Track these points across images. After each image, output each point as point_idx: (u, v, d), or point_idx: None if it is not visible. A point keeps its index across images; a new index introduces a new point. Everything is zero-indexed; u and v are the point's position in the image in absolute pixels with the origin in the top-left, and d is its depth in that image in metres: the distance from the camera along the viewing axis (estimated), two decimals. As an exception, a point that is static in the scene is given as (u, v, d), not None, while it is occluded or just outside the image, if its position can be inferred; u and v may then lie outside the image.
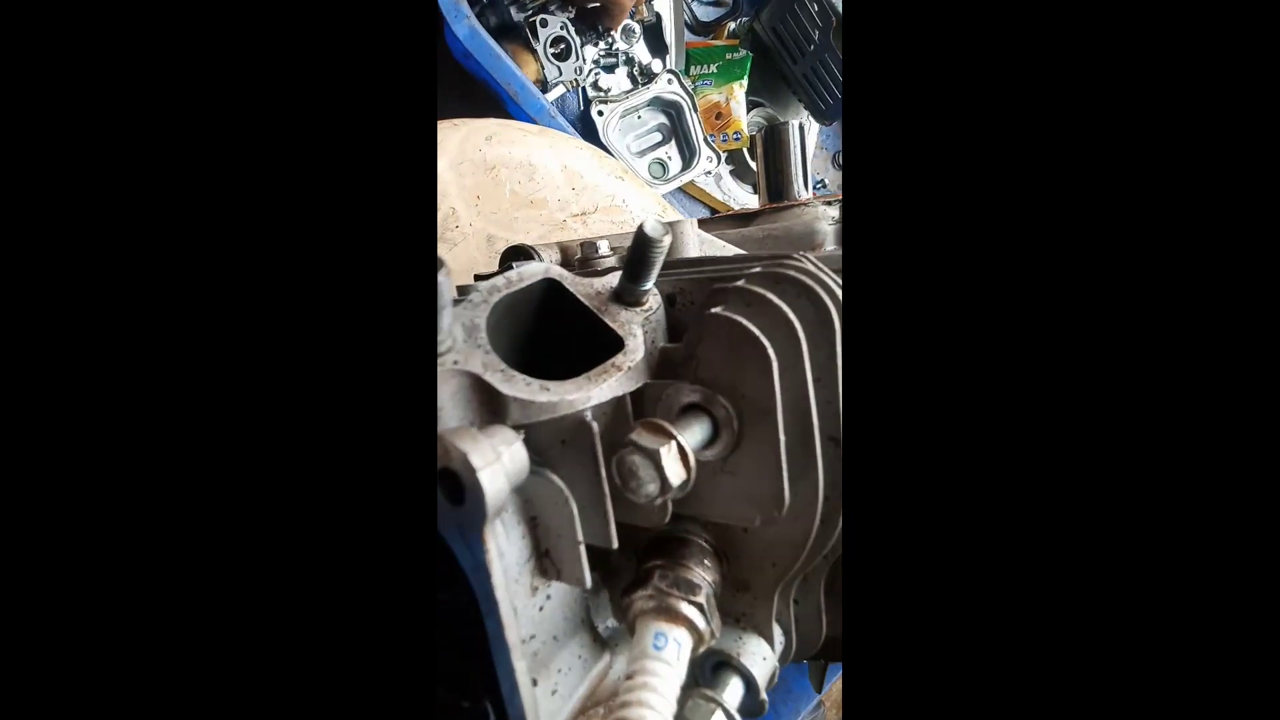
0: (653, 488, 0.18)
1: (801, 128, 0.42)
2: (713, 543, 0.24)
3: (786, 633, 0.26)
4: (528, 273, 0.22)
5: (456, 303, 0.21)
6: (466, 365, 0.19)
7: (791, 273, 0.21)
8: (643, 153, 0.87)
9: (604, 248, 0.32)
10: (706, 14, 0.89)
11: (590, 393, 0.20)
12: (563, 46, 0.71)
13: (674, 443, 0.18)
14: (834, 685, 1.08)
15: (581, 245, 0.33)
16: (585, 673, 0.22)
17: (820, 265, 0.22)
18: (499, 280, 0.22)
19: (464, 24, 0.62)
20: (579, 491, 0.21)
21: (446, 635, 0.20)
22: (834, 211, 0.35)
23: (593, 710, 0.24)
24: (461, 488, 0.16)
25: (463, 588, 0.19)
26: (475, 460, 0.16)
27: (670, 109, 0.86)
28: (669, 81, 0.83)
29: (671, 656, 0.20)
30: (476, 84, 0.68)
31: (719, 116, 0.87)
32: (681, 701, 0.22)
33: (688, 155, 0.88)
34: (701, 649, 0.22)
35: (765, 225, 0.36)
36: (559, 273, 0.23)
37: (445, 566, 0.19)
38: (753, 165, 0.92)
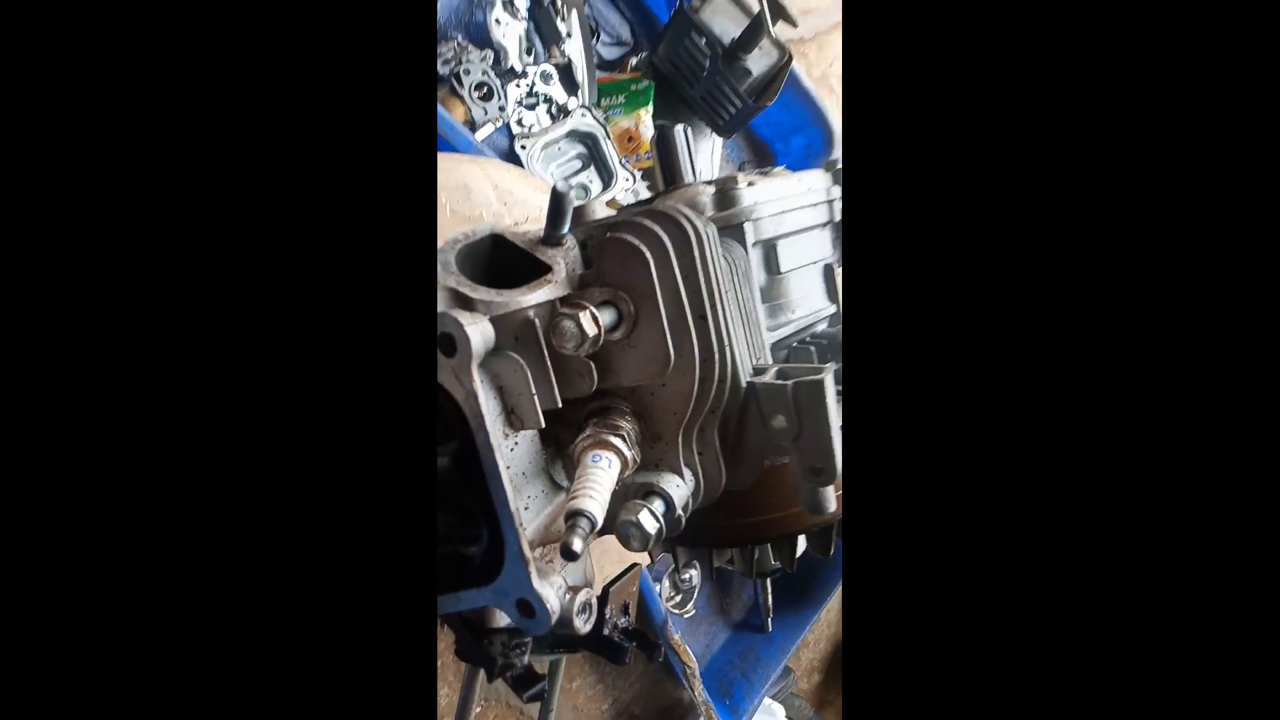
0: (576, 339, 0.30)
1: (686, 130, 0.56)
2: (629, 406, 0.36)
3: (694, 474, 0.38)
4: (479, 230, 0.35)
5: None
6: (445, 283, 0.31)
7: (659, 209, 0.34)
8: (566, 179, 1.02)
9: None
10: (611, 53, 1.07)
11: (530, 296, 0.32)
12: (486, 89, 0.86)
13: (589, 309, 0.30)
14: (800, 646, 1.17)
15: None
16: (547, 503, 0.33)
17: (680, 207, 0.36)
18: (459, 235, 0.34)
19: None
20: (530, 368, 0.32)
21: (449, 479, 0.31)
22: (711, 188, 0.49)
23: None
24: (453, 341, 0.28)
25: (461, 436, 0.30)
26: (462, 320, 0.28)
27: (586, 139, 1.01)
28: (583, 115, 0.99)
29: (605, 467, 0.32)
30: None
31: (630, 140, 1.03)
32: (616, 511, 0.33)
33: (607, 177, 1.03)
34: (627, 472, 0.34)
35: (660, 202, 0.50)
36: (501, 228, 0.35)
37: (446, 423, 0.30)
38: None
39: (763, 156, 1.26)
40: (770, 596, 1.14)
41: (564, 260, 0.35)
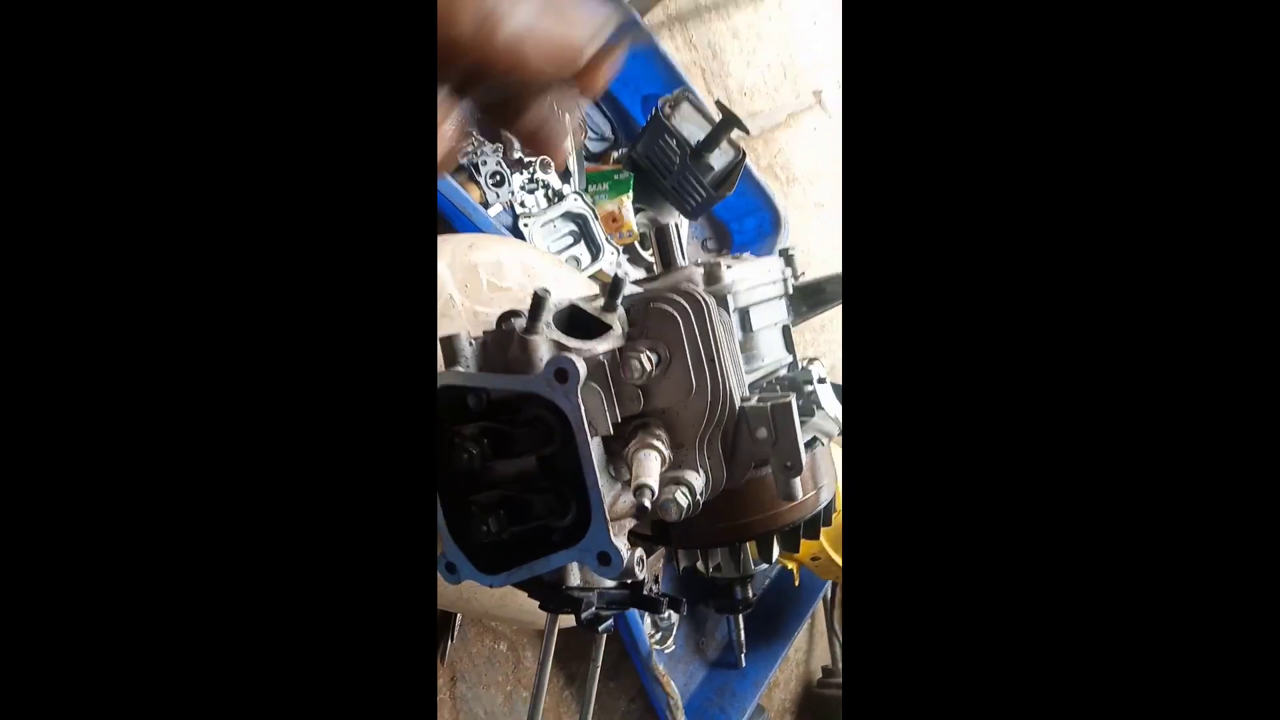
0: (639, 372, 0.49)
1: (678, 226, 0.77)
2: (660, 423, 0.54)
3: (706, 472, 0.56)
4: (561, 301, 0.53)
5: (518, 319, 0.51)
6: (550, 335, 0.49)
7: (684, 289, 0.54)
8: (560, 252, 1.22)
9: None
10: (596, 147, 1.31)
11: (602, 346, 0.51)
12: (498, 177, 1.07)
13: (646, 353, 0.49)
14: (770, 684, 1.32)
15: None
16: (612, 486, 0.51)
17: (694, 288, 0.55)
18: (551, 304, 0.52)
19: None
20: (602, 393, 0.50)
21: (554, 472, 0.47)
22: (700, 269, 0.69)
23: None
24: (567, 372, 0.46)
25: (562, 440, 0.47)
26: (572, 357, 0.46)
27: (578, 219, 1.23)
28: (575, 200, 1.21)
29: (653, 460, 0.49)
30: None
31: (614, 220, 1.26)
32: (659, 493, 0.50)
33: (595, 251, 1.24)
34: (664, 467, 0.51)
35: (665, 279, 0.70)
36: (575, 300, 0.54)
37: (553, 430, 0.47)
38: (644, 254, 1.31)
39: (720, 234, 1.52)
40: (743, 632, 1.29)
41: (619, 322, 0.54)
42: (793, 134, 1.73)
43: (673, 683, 1.10)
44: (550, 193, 1.18)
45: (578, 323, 0.53)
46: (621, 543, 0.47)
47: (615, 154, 1.32)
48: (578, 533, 0.48)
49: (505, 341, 0.50)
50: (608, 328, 0.52)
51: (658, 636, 1.21)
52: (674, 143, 1.25)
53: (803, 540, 1.02)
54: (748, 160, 1.32)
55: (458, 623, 1.03)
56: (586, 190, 1.24)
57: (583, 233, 1.22)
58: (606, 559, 0.46)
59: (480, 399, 0.51)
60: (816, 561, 1.24)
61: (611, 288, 0.52)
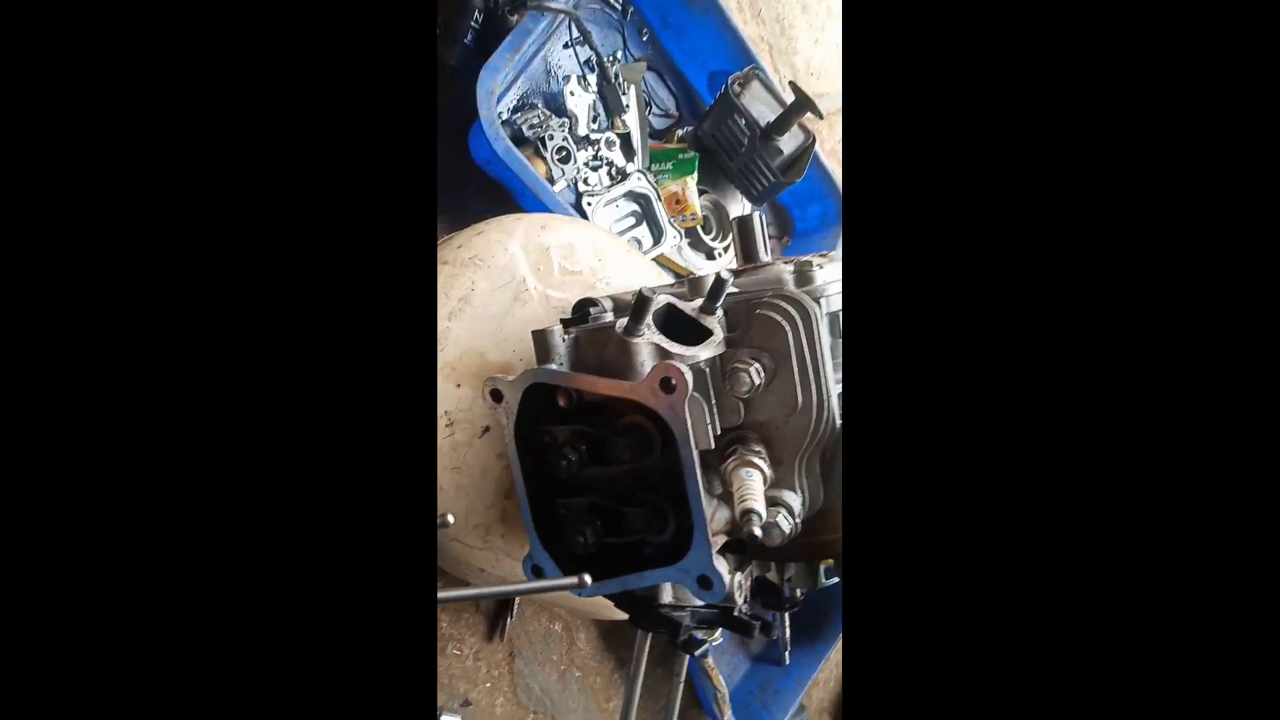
0: (748, 385, 0.45)
1: (761, 216, 0.72)
2: (758, 438, 0.51)
3: (803, 492, 0.52)
4: (659, 300, 0.49)
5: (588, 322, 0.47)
6: (652, 338, 0.45)
7: (790, 294, 0.50)
8: (622, 233, 1.18)
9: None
10: (660, 124, 1.25)
11: (704, 352, 0.47)
12: (565, 153, 1.02)
13: (755, 365, 0.45)
14: (815, 685, 1.29)
15: (629, 293, 0.60)
16: (709, 503, 0.47)
17: (801, 294, 0.51)
18: (653, 306, 0.48)
19: (500, 142, 0.91)
20: (704, 404, 0.47)
21: (651, 484, 0.44)
22: (790, 267, 0.64)
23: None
24: (672, 382, 0.42)
25: (667, 451, 0.44)
26: (680, 367, 0.42)
27: (640, 199, 1.19)
28: (638, 178, 1.16)
29: (756, 479, 0.46)
30: (492, 184, 0.96)
31: (678, 202, 1.21)
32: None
33: (657, 233, 1.19)
34: (766, 484, 0.48)
35: (750, 277, 0.66)
36: (672, 298, 0.50)
37: (653, 440, 0.44)
38: (705, 239, 1.26)
39: (782, 220, 1.46)
40: (789, 631, 1.26)
41: (718, 325, 0.50)
42: (859, 115, 1.64)
43: (720, 675, 1.09)
44: (614, 170, 1.13)
45: (674, 323, 0.49)
46: (722, 566, 0.44)
47: (680, 132, 1.26)
48: (676, 550, 0.45)
49: (601, 340, 0.46)
50: (708, 332, 0.48)
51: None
52: (743, 123, 1.18)
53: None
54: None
55: (516, 602, 1.03)
56: (650, 169, 1.19)
57: (645, 214, 1.17)
58: (708, 583, 0.43)
59: (571, 399, 0.47)
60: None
61: (713, 289, 0.48)
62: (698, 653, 0.48)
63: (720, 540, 0.49)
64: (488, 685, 1.03)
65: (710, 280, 0.49)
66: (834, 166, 1.44)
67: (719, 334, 0.48)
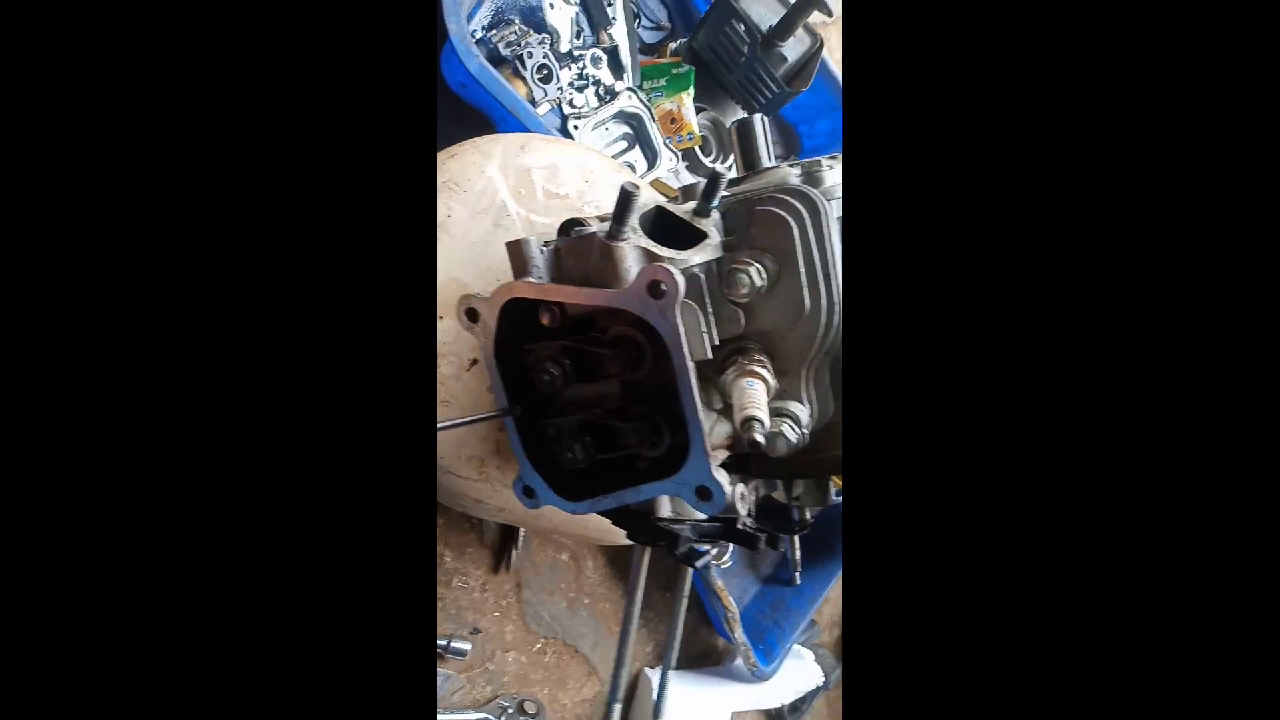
0: (748, 288, 0.41)
1: (764, 120, 0.66)
2: (761, 347, 0.47)
3: (811, 403, 0.48)
4: (645, 202, 0.45)
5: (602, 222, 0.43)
6: (639, 242, 0.41)
7: (794, 187, 0.45)
8: (612, 158, 1.11)
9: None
10: (651, 37, 1.16)
11: (698, 256, 0.42)
12: (546, 72, 0.95)
13: (756, 265, 0.41)
14: (826, 601, 1.31)
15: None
16: (708, 416, 0.44)
17: (808, 188, 0.46)
18: (636, 204, 0.44)
19: (474, 61, 0.84)
20: (699, 311, 0.43)
21: (644, 398, 0.40)
22: (797, 169, 0.59)
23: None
24: (662, 286, 0.38)
25: (654, 363, 0.40)
26: (671, 270, 0.38)
27: (632, 120, 1.11)
28: (629, 96, 1.08)
29: (758, 388, 0.42)
30: (468, 110, 0.90)
31: (673, 121, 1.13)
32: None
33: (651, 156, 1.12)
34: (770, 395, 0.44)
35: (754, 182, 0.60)
36: (663, 200, 0.45)
37: (644, 352, 0.40)
38: (704, 160, 1.18)
39: (789, 138, 1.37)
40: (799, 552, 1.27)
41: (714, 228, 0.45)
42: (865, 21, 1.52)
43: (730, 596, 1.09)
44: (602, 90, 1.05)
45: (666, 228, 0.45)
46: (722, 476, 0.41)
47: (673, 45, 1.17)
48: (672, 463, 0.42)
49: (584, 249, 0.42)
50: (703, 235, 0.44)
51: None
52: (742, 29, 1.09)
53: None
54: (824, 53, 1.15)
55: (521, 533, 1.03)
56: (641, 87, 1.11)
57: (637, 135, 1.10)
58: (707, 494, 0.40)
59: (555, 314, 0.44)
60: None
61: (707, 187, 0.43)
62: (699, 564, 0.46)
63: (721, 455, 0.46)
64: (496, 614, 1.04)
65: (704, 181, 0.44)
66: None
67: (715, 237, 0.44)
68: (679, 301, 0.38)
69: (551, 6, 1.01)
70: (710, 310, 0.43)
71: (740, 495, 0.42)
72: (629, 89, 1.06)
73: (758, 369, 0.43)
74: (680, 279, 0.38)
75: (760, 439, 0.38)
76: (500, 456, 0.67)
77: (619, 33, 1.06)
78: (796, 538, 1.26)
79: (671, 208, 0.45)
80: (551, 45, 0.98)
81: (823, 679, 1.26)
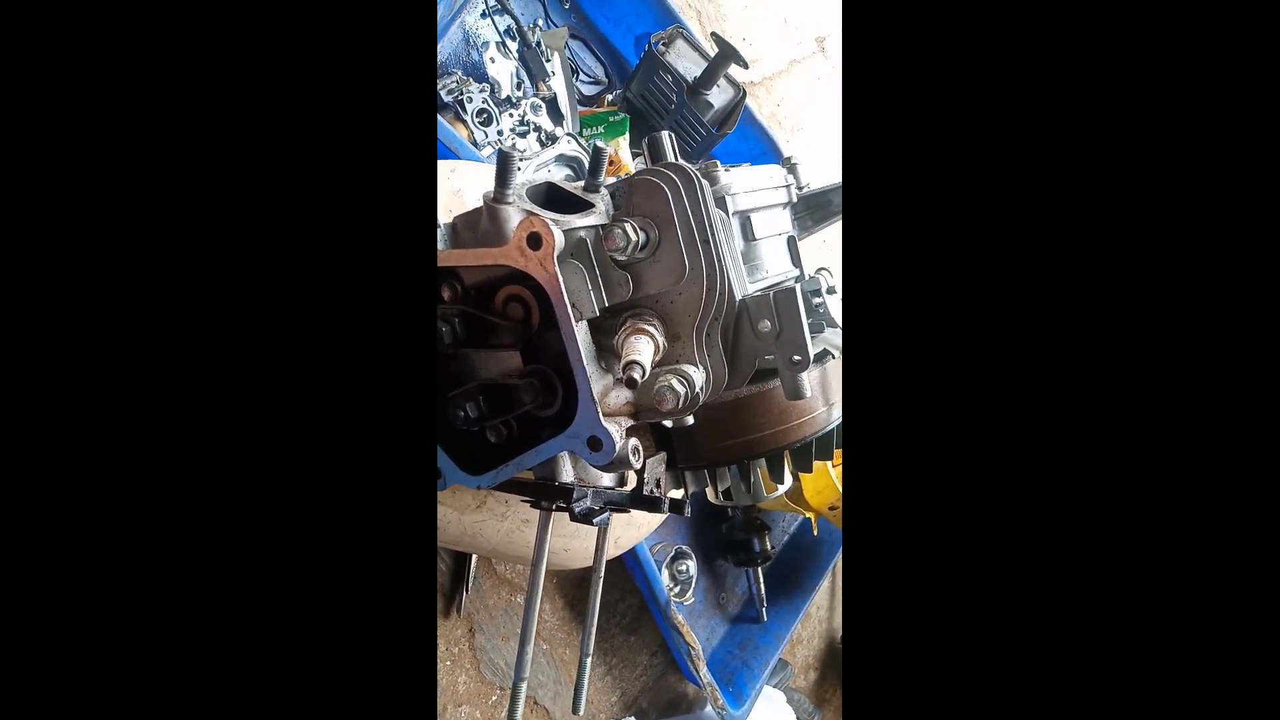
0: (624, 241, 0.44)
1: (671, 135, 0.72)
2: (654, 312, 0.49)
3: (705, 368, 0.51)
4: (537, 180, 0.48)
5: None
6: (523, 205, 0.44)
7: (671, 162, 0.49)
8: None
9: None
10: (591, 89, 1.25)
11: (583, 220, 0.46)
12: (485, 115, 1.02)
13: (630, 223, 0.44)
14: (793, 640, 1.26)
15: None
16: (603, 377, 0.46)
17: (684, 163, 0.50)
18: (524, 178, 0.47)
19: None
20: (585, 272, 0.45)
21: (537, 358, 0.42)
22: (696, 170, 0.63)
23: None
24: (539, 237, 0.41)
25: (543, 322, 0.42)
26: (546, 222, 0.41)
27: (573, 162, 1.18)
28: (569, 141, 1.15)
29: (645, 343, 0.44)
30: None
31: (611, 163, 1.20)
32: (653, 383, 0.45)
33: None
34: (658, 354, 0.46)
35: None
36: (554, 179, 0.49)
37: (535, 308, 0.42)
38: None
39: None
40: (763, 587, 1.24)
41: (601, 201, 0.49)
42: (794, 82, 1.67)
43: (693, 633, 1.06)
44: (543, 135, 1.13)
45: (556, 202, 0.48)
46: (614, 428, 0.42)
47: (610, 96, 1.26)
48: (566, 420, 0.43)
49: (475, 220, 0.45)
50: (589, 206, 0.47)
51: (676, 589, 1.16)
52: (669, 79, 1.19)
53: (820, 488, 0.95)
54: (748, 104, 1.25)
55: (472, 572, 1.00)
56: (581, 134, 1.19)
57: (578, 176, 1.17)
58: (597, 443, 0.41)
59: (455, 289, 0.46)
60: (834, 511, 1.18)
61: (593, 162, 0.47)
62: (596, 521, 0.46)
63: (624, 422, 0.48)
64: (448, 663, 1.00)
65: (590, 158, 0.48)
66: (774, 128, 1.45)
67: (602, 206, 0.47)
68: (555, 250, 0.41)
69: (492, 60, 1.10)
70: (598, 273, 0.45)
71: (634, 449, 0.43)
72: (568, 134, 1.13)
73: (646, 327, 0.46)
74: (558, 231, 0.41)
75: (637, 376, 0.40)
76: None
77: (558, 84, 1.16)
78: (760, 572, 1.24)
79: (561, 184, 0.49)
80: (492, 93, 1.06)
81: (797, 722, 1.20)
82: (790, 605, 1.25)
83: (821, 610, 1.42)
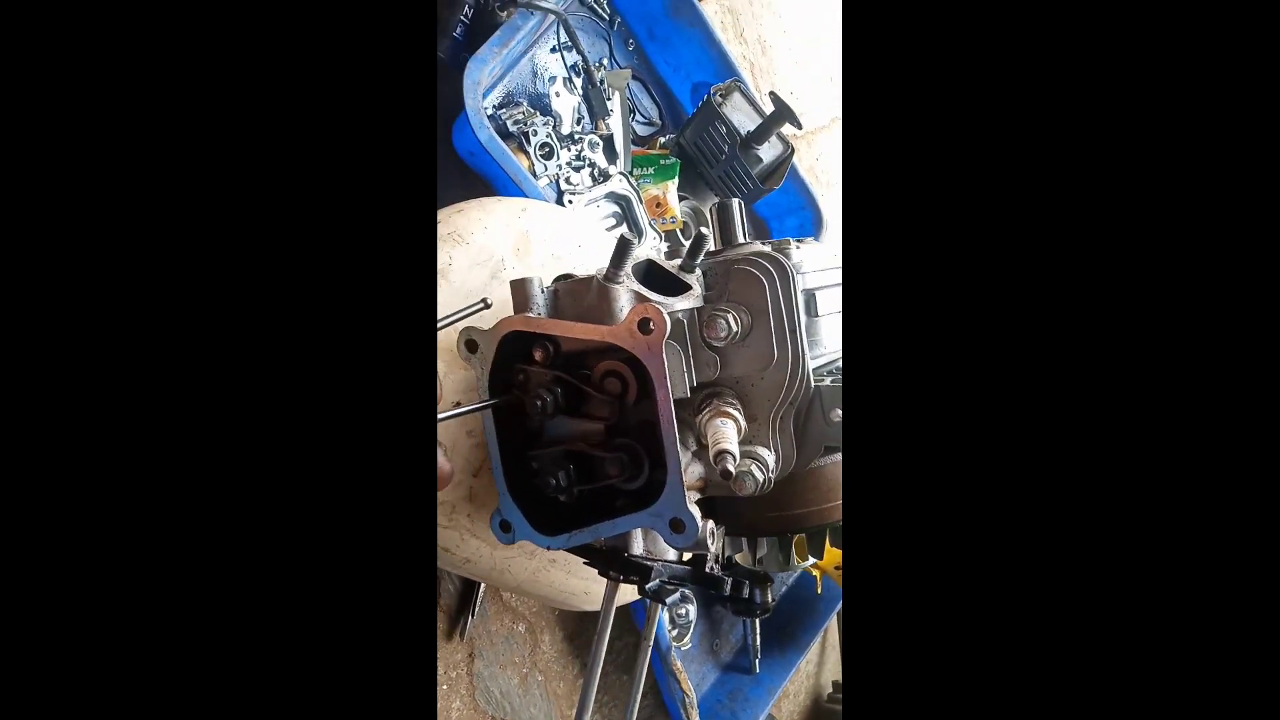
0: (727, 330, 0.46)
1: (740, 203, 0.75)
2: (734, 393, 0.51)
3: (777, 450, 0.53)
4: (639, 256, 0.51)
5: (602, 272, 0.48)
6: (632, 286, 0.46)
7: (766, 252, 0.51)
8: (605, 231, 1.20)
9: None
10: (644, 130, 1.29)
11: (682, 303, 0.48)
12: (548, 149, 1.04)
13: (733, 313, 0.46)
14: (781, 694, 1.28)
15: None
16: (683, 455, 0.48)
17: (777, 254, 0.53)
18: (632, 252, 0.49)
19: (485, 131, 0.92)
20: (680, 355, 0.47)
21: (626, 432, 0.44)
22: (768, 247, 0.66)
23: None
24: (651, 323, 0.43)
25: (637, 398, 0.44)
26: (660, 309, 0.43)
27: (621, 200, 1.21)
28: (620, 180, 1.18)
29: (730, 428, 0.46)
30: (474, 177, 0.98)
31: (658, 206, 1.23)
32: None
33: (637, 235, 1.21)
34: (740, 435, 0.48)
35: (731, 252, 0.67)
36: (653, 255, 0.51)
37: (630, 386, 0.44)
38: (684, 242, 1.28)
39: (760, 231, 1.49)
40: (759, 638, 1.25)
41: (697, 282, 0.51)
42: (834, 138, 1.71)
43: (689, 680, 1.07)
44: (596, 172, 1.15)
45: (654, 280, 0.50)
46: (696, 511, 0.44)
47: (662, 139, 1.29)
48: (648, 497, 0.45)
49: (581, 291, 0.47)
50: (687, 287, 0.49)
51: (675, 633, 1.17)
52: (724, 130, 1.22)
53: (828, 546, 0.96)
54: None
55: (479, 599, 1.00)
56: (632, 173, 1.22)
57: (625, 214, 1.19)
58: (680, 526, 0.43)
59: (548, 351, 0.48)
60: (839, 570, 1.20)
61: (692, 246, 0.50)
62: (669, 600, 0.47)
63: (694, 495, 0.49)
64: (444, 688, 1.00)
65: (690, 242, 0.50)
66: (812, 182, 1.49)
67: (698, 289, 0.50)
68: (665, 338, 0.43)
69: (557, 95, 1.12)
70: (690, 354, 0.47)
71: (711, 532, 0.45)
72: (620, 173, 1.16)
73: (730, 410, 0.48)
74: (668, 318, 0.43)
75: (731, 468, 0.42)
76: (471, 504, 0.69)
77: (615, 123, 1.19)
78: (758, 623, 1.26)
79: (661, 262, 0.51)
80: (554, 127, 1.08)
81: (781, 778, 1.21)
82: (783, 659, 1.27)
83: (810, 665, 1.43)
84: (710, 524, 0.45)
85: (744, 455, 0.49)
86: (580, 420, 0.48)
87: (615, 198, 1.17)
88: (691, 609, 1.20)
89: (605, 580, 0.54)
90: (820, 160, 1.71)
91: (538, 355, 0.48)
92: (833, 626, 1.45)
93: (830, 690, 1.43)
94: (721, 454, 0.43)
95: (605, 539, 0.48)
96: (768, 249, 0.62)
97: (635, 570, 0.47)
